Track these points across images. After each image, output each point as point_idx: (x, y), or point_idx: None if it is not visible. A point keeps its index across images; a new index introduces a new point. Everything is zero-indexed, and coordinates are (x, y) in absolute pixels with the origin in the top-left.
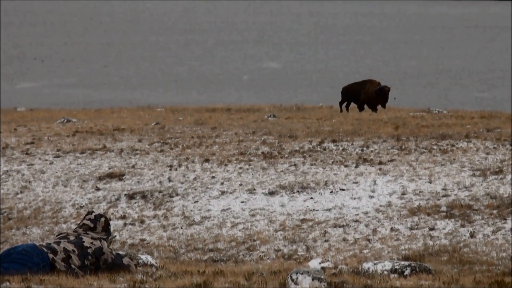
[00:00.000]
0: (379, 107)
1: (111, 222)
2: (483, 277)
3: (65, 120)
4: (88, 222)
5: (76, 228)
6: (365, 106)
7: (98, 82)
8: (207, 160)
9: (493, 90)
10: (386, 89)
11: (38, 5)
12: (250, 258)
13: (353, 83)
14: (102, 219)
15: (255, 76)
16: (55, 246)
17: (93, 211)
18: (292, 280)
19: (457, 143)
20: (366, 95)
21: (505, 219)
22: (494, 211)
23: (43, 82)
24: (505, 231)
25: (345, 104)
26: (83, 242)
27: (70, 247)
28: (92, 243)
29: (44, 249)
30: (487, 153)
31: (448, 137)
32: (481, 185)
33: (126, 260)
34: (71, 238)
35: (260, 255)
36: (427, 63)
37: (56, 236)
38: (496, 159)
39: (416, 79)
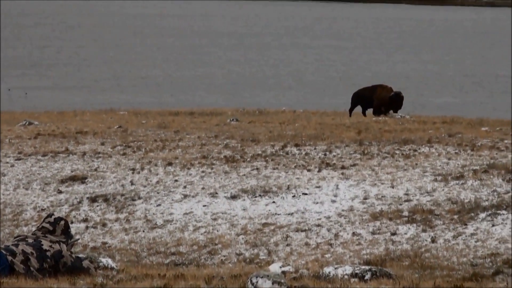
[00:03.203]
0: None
1: (73, 225)
2: (443, 282)
3: (27, 123)
4: (47, 225)
5: (35, 231)
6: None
7: (70, 85)
8: (170, 164)
9: (459, 95)
10: (401, 95)
11: (10, 7)
12: (211, 261)
13: (363, 88)
14: (62, 222)
15: (223, 80)
16: (14, 248)
17: (52, 214)
18: (252, 284)
19: (419, 148)
20: (378, 100)
21: (466, 224)
22: (455, 216)
23: (12, 84)
24: (466, 236)
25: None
26: (42, 245)
27: (29, 249)
28: (51, 246)
29: (3, 251)
30: (449, 158)
31: (411, 142)
32: (443, 190)
33: (85, 263)
34: (30, 240)
35: (221, 259)
36: (397, 67)
37: (14, 238)
38: (458, 164)
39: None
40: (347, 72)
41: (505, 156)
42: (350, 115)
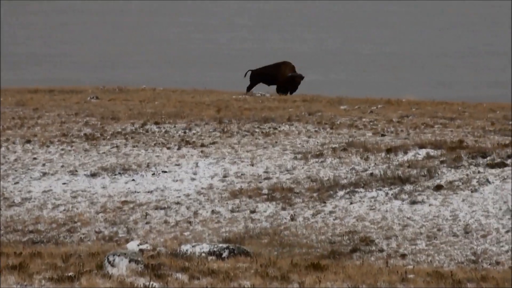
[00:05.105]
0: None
1: None
2: (300, 260)
3: None
4: None
5: None
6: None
7: None
8: (28, 141)
9: (323, 73)
10: (298, 78)
11: None
12: (70, 240)
13: (264, 66)
14: None
15: (85, 58)
16: None
17: None
18: (109, 262)
19: (279, 126)
20: (283, 77)
21: (325, 202)
22: (315, 194)
23: None
24: (325, 214)
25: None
26: None
27: None
28: None
29: None
30: (309, 136)
31: (271, 120)
32: (303, 168)
33: None
34: None
35: (80, 237)
36: (262, 46)
37: None
38: (317, 142)
39: (248, 62)
40: (209, 50)
41: (363, 134)
42: (247, 92)
